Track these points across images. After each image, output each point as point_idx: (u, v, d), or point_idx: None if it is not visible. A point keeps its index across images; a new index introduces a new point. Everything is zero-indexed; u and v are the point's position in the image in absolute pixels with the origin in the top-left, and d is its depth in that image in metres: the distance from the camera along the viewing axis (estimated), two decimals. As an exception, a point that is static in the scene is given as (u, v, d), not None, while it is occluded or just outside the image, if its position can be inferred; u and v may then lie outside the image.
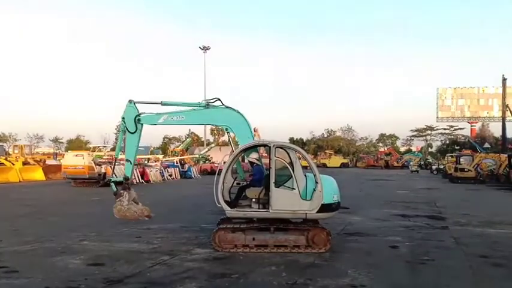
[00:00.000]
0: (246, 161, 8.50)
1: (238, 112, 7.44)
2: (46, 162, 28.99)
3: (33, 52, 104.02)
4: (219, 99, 7.54)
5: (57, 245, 7.45)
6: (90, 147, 37.71)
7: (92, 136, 75.25)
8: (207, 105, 7.44)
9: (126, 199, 7.46)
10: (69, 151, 31.36)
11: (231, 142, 8.00)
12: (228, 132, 7.74)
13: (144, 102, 7.74)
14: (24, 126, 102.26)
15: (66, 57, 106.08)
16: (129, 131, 7.52)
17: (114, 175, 8.19)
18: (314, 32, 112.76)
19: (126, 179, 7.62)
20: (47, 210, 12.35)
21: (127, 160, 7.66)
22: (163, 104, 7.58)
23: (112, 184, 7.84)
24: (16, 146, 37.24)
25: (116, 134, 69.08)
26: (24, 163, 25.60)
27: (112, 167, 8.06)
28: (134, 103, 7.58)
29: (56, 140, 76.85)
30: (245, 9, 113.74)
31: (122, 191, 7.53)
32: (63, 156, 30.24)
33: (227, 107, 7.49)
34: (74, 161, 21.30)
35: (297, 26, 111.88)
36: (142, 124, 7.63)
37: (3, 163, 24.38)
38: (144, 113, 7.62)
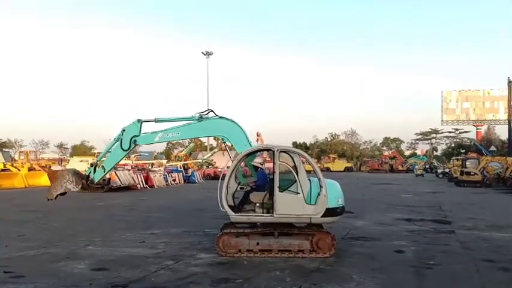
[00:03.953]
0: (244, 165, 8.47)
1: (232, 121, 7.43)
2: (51, 168, 29.16)
3: (38, 58, 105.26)
4: (211, 111, 7.57)
5: (62, 250, 7.48)
6: (95, 153, 37.93)
7: (96, 142, 75.80)
8: (201, 118, 7.44)
9: (71, 188, 7.31)
10: (74, 157, 31.55)
11: (229, 151, 8.03)
12: (224, 142, 7.75)
13: (143, 121, 7.70)
14: (30, 132, 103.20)
15: (69, 63, 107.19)
16: (121, 146, 7.54)
17: (101, 167, 7.66)
18: (316, 35, 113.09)
19: (92, 182, 7.53)
20: (52, 216, 12.41)
21: (102, 167, 7.58)
22: (157, 121, 7.60)
23: (90, 170, 7.63)
24: (22, 152, 37.60)
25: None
26: (30, 169, 25.78)
27: (94, 168, 7.82)
28: (141, 123, 7.56)
29: (60, 146, 77.42)
30: (247, 14, 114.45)
31: (81, 183, 7.41)
32: (68, 162, 30.44)
33: (221, 117, 7.48)
34: (79, 167, 21.38)
35: (298, 29, 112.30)
36: (136, 144, 7.68)
37: (9, 169, 24.57)
38: (140, 134, 7.61)
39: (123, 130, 7.58)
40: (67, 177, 7.37)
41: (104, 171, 7.61)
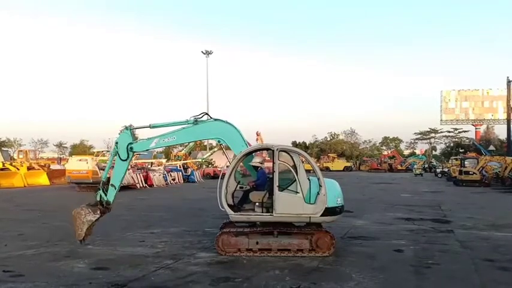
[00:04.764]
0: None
1: (227, 123, 7.43)
2: (50, 167, 29.12)
3: (37, 57, 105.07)
4: (206, 114, 7.58)
5: (62, 249, 7.49)
6: (94, 152, 37.88)
7: (95, 141, 75.73)
8: (196, 121, 7.42)
9: (91, 218, 7.30)
10: (73, 156, 31.47)
11: (226, 153, 8.01)
12: (220, 144, 7.76)
13: (137, 127, 7.68)
14: (29, 131, 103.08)
15: (69, 62, 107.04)
16: (120, 158, 7.51)
17: (102, 187, 7.63)
18: (317, 35, 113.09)
19: (108, 203, 7.52)
20: (51, 215, 12.40)
21: (112, 185, 7.56)
22: (152, 127, 7.57)
23: (98, 194, 7.62)
24: (21, 151, 37.47)
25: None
26: (29, 168, 25.72)
27: (100, 187, 7.78)
28: (131, 130, 7.56)
29: (60, 145, 77.40)
30: (247, 14, 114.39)
31: (99, 210, 7.42)
32: (67, 161, 30.39)
33: (216, 120, 7.49)
34: (78, 166, 21.42)
35: (298, 29, 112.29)
36: (134, 152, 7.65)
37: (8, 168, 24.53)
38: (136, 140, 7.61)
39: (117, 143, 7.57)
40: (83, 212, 7.35)
41: (115, 189, 7.58)
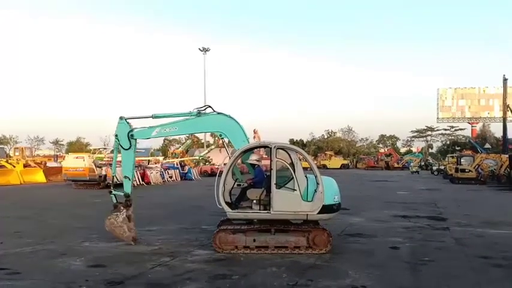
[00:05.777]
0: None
1: (230, 117, 7.41)
2: (47, 165, 28.99)
3: (34, 54, 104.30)
4: (210, 106, 7.56)
5: (59, 247, 7.47)
6: (91, 149, 37.76)
7: (92, 138, 75.36)
8: (199, 113, 7.41)
9: (123, 216, 7.38)
10: (69, 153, 31.38)
11: (226, 147, 8.02)
12: (222, 138, 7.75)
13: (135, 117, 7.67)
14: (25, 128, 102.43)
15: (66, 58, 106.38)
16: (123, 148, 7.49)
17: (113, 187, 7.78)
18: (315, 34, 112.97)
19: (127, 196, 7.55)
20: (48, 212, 12.36)
21: (125, 177, 7.58)
22: (154, 117, 7.55)
23: (113, 196, 7.72)
24: (17, 148, 37.35)
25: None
26: (25, 165, 25.59)
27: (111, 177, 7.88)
28: (126, 119, 7.55)
29: (56, 142, 77.03)
30: (245, 11, 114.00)
31: (121, 207, 7.49)
32: (63, 159, 30.27)
33: (219, 113, 7.47)
34: (75, 163, 21.35)
35: (297, 27, 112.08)
36: (136, 139, 7.63)
37: (4, 165, 24.37)
38: (137, 128, 7.57)
39: (116, 135, 7.57)
40: (113, 219, 7.38)
41: (130, 180, 7.60)
